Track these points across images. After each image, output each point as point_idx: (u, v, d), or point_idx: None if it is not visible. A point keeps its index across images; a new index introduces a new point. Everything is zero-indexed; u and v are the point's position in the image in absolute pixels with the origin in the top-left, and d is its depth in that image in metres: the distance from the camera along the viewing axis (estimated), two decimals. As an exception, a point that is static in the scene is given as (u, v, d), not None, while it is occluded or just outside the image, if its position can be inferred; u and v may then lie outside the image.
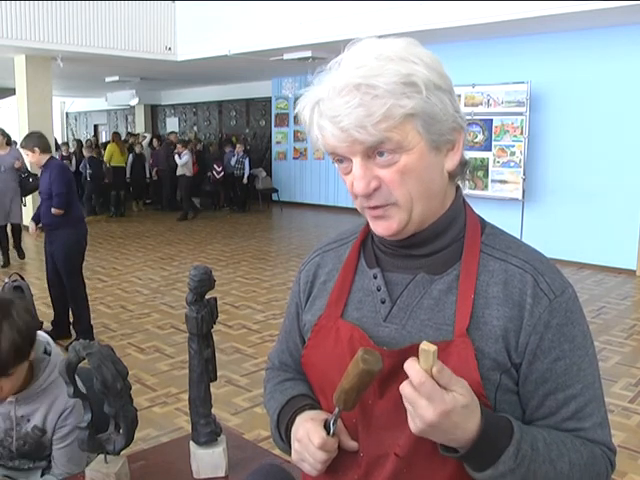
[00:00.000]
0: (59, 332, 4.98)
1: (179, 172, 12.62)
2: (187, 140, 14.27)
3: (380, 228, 0.97)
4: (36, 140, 4.88)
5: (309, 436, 0.98)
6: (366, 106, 0.86)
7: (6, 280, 4.68)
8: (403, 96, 0.87)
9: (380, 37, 0.95)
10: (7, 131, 8.20)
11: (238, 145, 13.57)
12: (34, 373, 1.77)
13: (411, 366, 0.83)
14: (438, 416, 0.83)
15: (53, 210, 4.77)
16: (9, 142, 8.03)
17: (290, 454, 1.08)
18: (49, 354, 1.81)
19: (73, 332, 5.08)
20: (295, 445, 1.01)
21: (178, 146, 12.83)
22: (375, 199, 0.94)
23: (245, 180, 13.22)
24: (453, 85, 0.95)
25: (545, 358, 0.94)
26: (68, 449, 1.80)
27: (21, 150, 5.31)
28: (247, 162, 13.21)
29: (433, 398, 0.82)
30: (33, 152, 4.83)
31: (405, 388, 0.85)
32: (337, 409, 0.94)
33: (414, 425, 0.85)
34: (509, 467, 0.87)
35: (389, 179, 0.92)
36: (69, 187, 4.89)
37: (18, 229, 8.32)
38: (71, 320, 5.10)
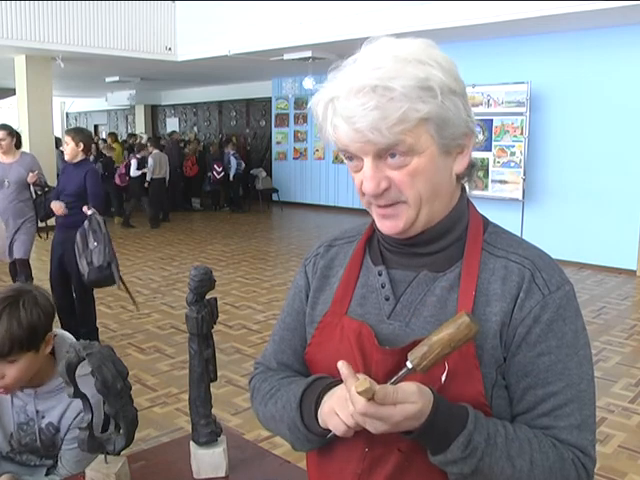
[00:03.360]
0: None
1: (148, 176, 11.72)
2: (152, 138, 13.95)
3: (386, 227, 0.98)
4: (87, 138, 4.95)
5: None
6: (382, 109, 0.87)
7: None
8: (419, 100, 0.88)
9: (397, 36, 0.95)
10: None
11: (230, 144, 13.50)
12: (56, 370, 1.79)
13: (354, 400, 0.86)
14: (390, 427, 0.87)
15: (91, 210, 4.71)
16: (19, 144, 5.62)
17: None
18: None
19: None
20: (332, 400, 0.96)
21: (148, 146, 12.25)
22: (384, 199, 0.95)
23: (231, 178, 13.07)
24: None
25: (529, 351, 0.94)
26: (78, 451, 1.80)
27: (65, 137, 4.82)
28: (234, 161, 13.06)
29: (381, 418, 0.86)
30: (77, 146, 4.77)
31: (356, 417, 0.88)
32: (405, 369, 0.89)
33: (372, 429, 0.88)
34: (457, 456, 0.89)
35: (399, 180, 0.93)
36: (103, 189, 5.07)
37: (23, 265, 5.50)
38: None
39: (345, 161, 0.98)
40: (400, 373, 0.90)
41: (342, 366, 0.89)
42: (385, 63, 0.89)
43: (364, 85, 0.88)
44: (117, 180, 12.00)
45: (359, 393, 0.83)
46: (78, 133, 4.88)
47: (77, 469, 1.79)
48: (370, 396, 0.84)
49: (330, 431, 0.96)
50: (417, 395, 0.86)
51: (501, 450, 0.91)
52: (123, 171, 11.84)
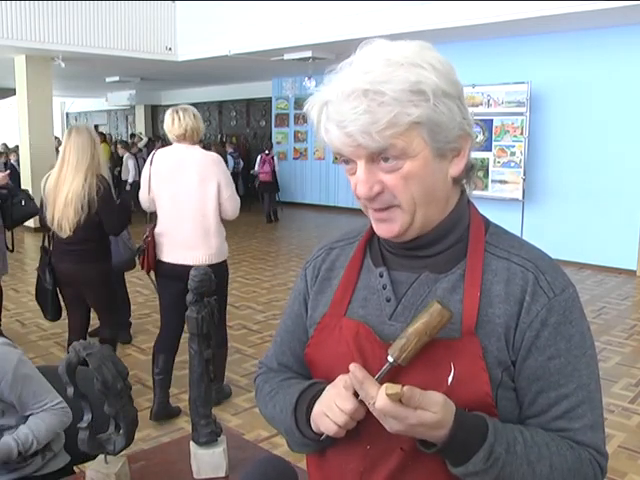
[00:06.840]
0: (121, 336, 4.67)
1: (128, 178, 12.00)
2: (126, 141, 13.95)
3: (382, 230, 0.99)
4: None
5: (342, 384, 0.95)
6: (372, 113, 0.87)
7: None
8: (410, 104, 0.88)
9: (392, 37, 0.95)
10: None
11: (227, 143, 13.49)
12: None
13: (379, 395, 0.87)
14: (404, 428, 0.88)
15: None
16: None
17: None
18: None
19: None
20: (321, 403, 0.98)
21: (118, 147, 12.34)
22: (378, 202, 0.95)
23: None
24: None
25: (539, 355, 0.95)
26: (25, 391, 1.81)
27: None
28: (230, 159, 13.08)
29: (397, 417, 0.87)
30: None
31: (375, 410, 0.89)
32: (387, 365, 0.91)
33: (388, 427, 0.90)
34: (479, 468, 0.89)
35: (392, 184, 0.93)
36: None
37: None
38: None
39: (341, 164, 0.98)
40: (383, 368, 0.91)
41: (355, 369, 0.90)
42: (376, 67, 0.89)
43: (355, 89, 0.88)
44: (263, 176, 12.03)
45: (388, 395, 0.85)
46: None
47: (43, 399, 1.76)
48: (397, 399, 0.85)
49: (323, 433, 0.97)
50: (440, 407, 0.87)
51: (521, 457, 0.91)
52: (270, 168, 11.94)
